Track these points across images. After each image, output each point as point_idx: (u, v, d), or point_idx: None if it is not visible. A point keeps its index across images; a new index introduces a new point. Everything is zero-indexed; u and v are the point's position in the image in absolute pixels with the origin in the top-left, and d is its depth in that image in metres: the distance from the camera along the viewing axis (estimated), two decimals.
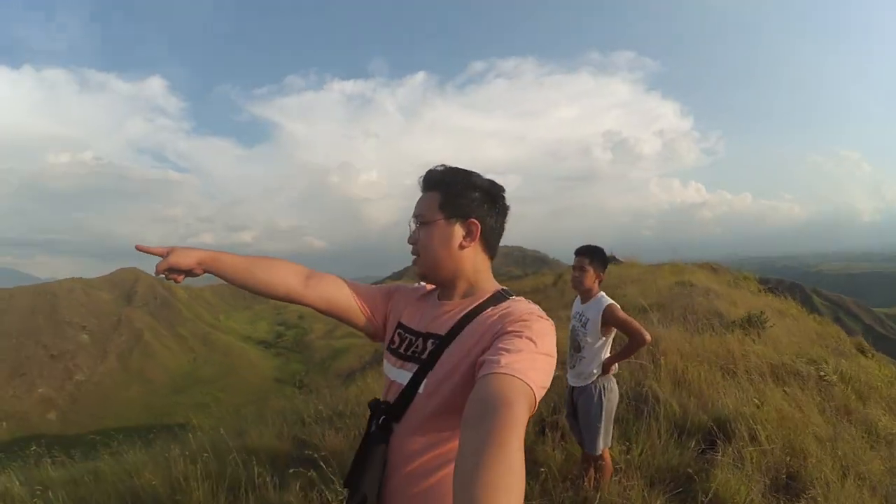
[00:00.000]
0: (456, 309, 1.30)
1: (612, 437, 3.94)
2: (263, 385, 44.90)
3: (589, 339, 3.38)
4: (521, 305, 1.24)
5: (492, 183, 1.36)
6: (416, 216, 1.36)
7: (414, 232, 1.37)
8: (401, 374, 1.31)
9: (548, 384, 1.06)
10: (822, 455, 3.44)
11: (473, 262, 1.33)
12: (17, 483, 4.65)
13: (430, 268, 1.34)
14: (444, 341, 1.25)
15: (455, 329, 1.25)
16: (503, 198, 1.38)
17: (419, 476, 1.19)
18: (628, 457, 3.71)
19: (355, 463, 1.26)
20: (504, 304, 1.26)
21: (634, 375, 5.33)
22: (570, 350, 3.55)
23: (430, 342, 1.28)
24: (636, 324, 3.26)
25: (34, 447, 5.86)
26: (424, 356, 1.27)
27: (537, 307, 1.25)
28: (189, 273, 1.37)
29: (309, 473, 3.89)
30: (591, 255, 3.40)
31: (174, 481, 4.26)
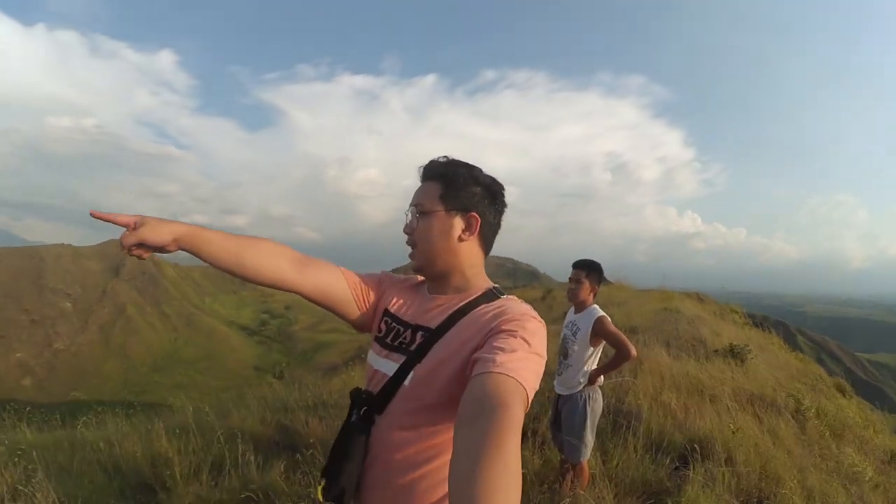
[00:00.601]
0: (448, 303, 1.27)
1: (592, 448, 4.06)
2: (243, 372, 44.61)
3: (577, 348, 3.51)
4: (514, 305, 1.22)
5: (493, 179, 1.34)
6: (416, 205, 1.32)
7: (411, 221, 1.33)
8: (386, 365, 1.28)
9: (537, 385, 1.04)
10: (793, 484, 3.56)
11: (469, 257, 1.31)
12: None
13: (426, 259, 1.31)
14: (434, 335, 1.22)
15: (446, 323, 1.22)
16: (503, 195, 1.37)
17: (401, 470, 1.17)
18: (604, 468, 3.80)
19: (333, 452, 1.24)
20: (497, 303, 1.24)
21: (616, 391, 5.45)
22: (559, 357, 3.67)
23: (419, 334, 1.25)
24: (624, 338, 3.37)
25: (7, 411, 5.82)
26: (412, 348, 1.24)
27: (529, 307, 1.23)
28: (160, 250, 1.18)
29: (296, 457, 3.94)
30: (588, 269, 3.54)
31: (155, 455, 4.28)
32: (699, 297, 12.46)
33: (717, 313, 10.53)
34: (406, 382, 1.20)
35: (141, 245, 1.15)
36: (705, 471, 3.69)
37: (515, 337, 1.07)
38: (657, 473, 3.78)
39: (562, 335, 3.72)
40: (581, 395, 3.47)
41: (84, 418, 5.66)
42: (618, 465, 3.85)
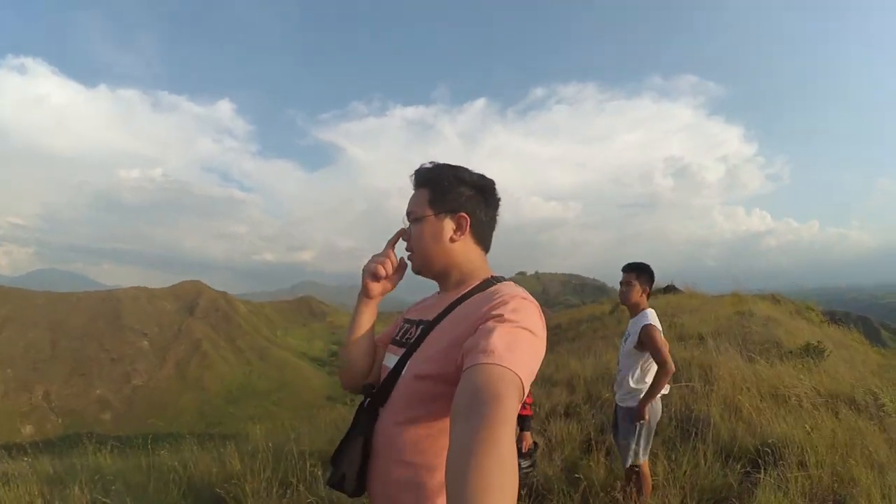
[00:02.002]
0: (448, 297, 1.31)
1: (657, 457, 3.94)
2: (316, 401, 45.53)
3: (626, 353, 3.49)
4: (505, 288, 1.23)
5: (481, 176, 1.37)
6: (408, 213, 1.38)
7: (407, 229, 1.39)
8: (390, 359, 1.33)
9: (535, 367, 1.04)
10: (870, 484, 3.33)
11: (465, 255, 1.35)
12: (78, 467, 4.88)
13: (422, 262, 1.36)
14: (429, 326, 1.27)
15: (442, 314, 1.26)
16: (494, 191, 1.39)
17: (399, 461, 1.18)
18: (672, 476, 3.69)
19: (341, 443, 1.28)
20: (491, 289, 1.25)
21: (684, 399, 5.26)
22: (616, 368, 3.66)
23: (419, 328, 1.30)
24: (666, 352, 3.27)
25: (87, 441, 6.18)
26: (412, 340, 1.28)
27: (522, 289, 1.23)
28: (386, 282, 1.42)
29: None
30: (638, 271, 3.52)
31: (228, 474, 4.46)
32: (774, 298, 11.83)
33: (792, 313, 9.99)
34: (403, 372, 1.24)
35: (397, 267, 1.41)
36: (777, 474, 3.52)
37: (503, 321, 1.06)
38: (727, 479, 3.64)
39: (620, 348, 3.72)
40: (633, 410, 3.40)
41: (162, 445, 5.92)
42: (686, 472, 3.72)
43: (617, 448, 3.65)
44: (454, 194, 1.33)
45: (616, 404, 3.61)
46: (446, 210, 1.32)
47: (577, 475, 3.99)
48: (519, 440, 3.19)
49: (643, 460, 3.42)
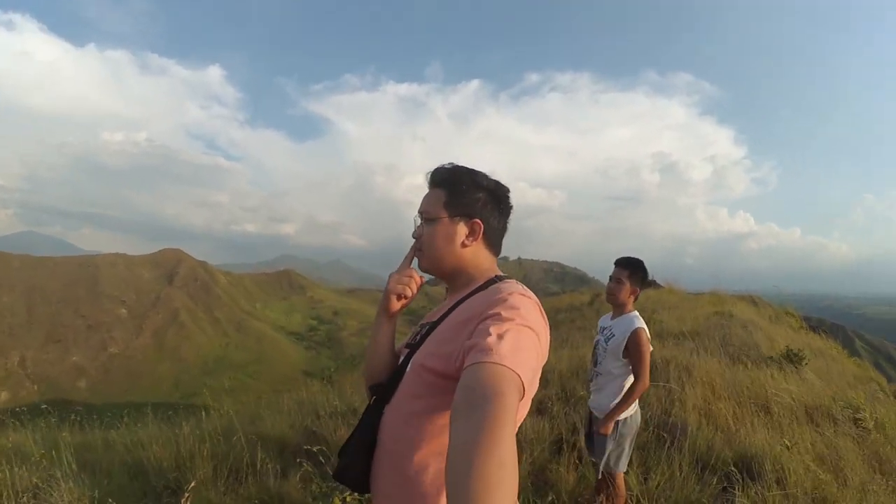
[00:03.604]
0: (454, 298, 1.33)
1: (631, 464, 3.73)
2: (292, 375, 45.60)
3: (609, 358, 3.19)
4: (504, 285, 1.24)
5: (497, 184, 1.38)
6: (421, 212, 1.39)
7: (418, 227, 1.40)
8: (401, 359, 1.35)
9: (536, 364, 1.05)
10: None
11: (474, 259, 1.36)
12: (32, 441, 4.76)
13: (432, 263, 1.38)
14: (433, 326, 1.29)
15: (446, 313, 1.28)
16: (507, 199, 1.40)
17: (400, 457, 1.19)
18: (645, 486, 3.50)
19: (349, 437, 1.31)
20: (492, 287, 1.26)
21: (662, 403, 5.09)
22: (590, 363, 3.39)
23: (425, 329, 1.32)
24: (647, 364, 3.04)
25: (47, 410, 6.04)
26: (417, 340, 1.31)
27: (521, 285, 1.25)
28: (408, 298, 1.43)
29: (307, 467, 3.81)
30: (631, 268, 3.20)
31: (180, 457, 4.30)
32: (753, 301, 11.86)
33: (771, 317, 9.98)
34: (407, 369, 1.25)
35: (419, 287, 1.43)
36: (755, 493, 3.32)
37: (502, 319, 1.06)
38: (702, 494, 3.45)
39: (595, 340, 3.42)
40: (616, 424, 3.12)
41: (132, 417, 5.80)
42: (659, 484, 3.53)
43: (590, 457, 3.39)
44: (470, 199, 1.34)
45: (591, 410, 3.34)
46: (461, 214, 1.34)
47: (544, 481, 3.81)
48: None
49: (620, 471, 3.17)
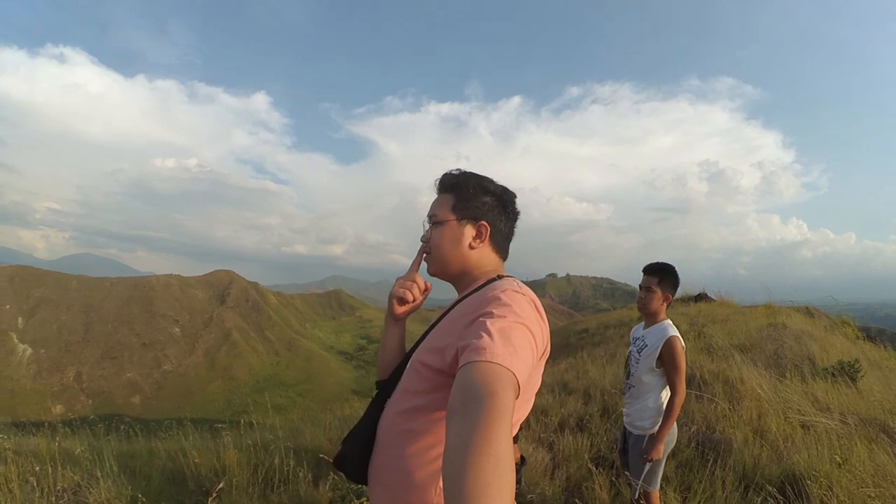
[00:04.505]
0: (458, 297, 1.37)
1: (670, 483, 3.56)
2: (341, 394, 46.01)
3: (641, 368, 3.06)
4: (500, 282, 1.26)
5: (504, 189, 1.43)
6: (430, 216, 1.43)
7: (427, 231, 1.43)
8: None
9: (530, 360, 1.03)
10: None
11: (480, 262, 1.39)
12: (80, 448, 4.96)
13: (439, 265, 1.41)
14: (433, 325, 1.31)
15: (445, 313, 1.31)
16: (514, 203, 1.45)
17: (395, 448, 1.21)
18: None
19: (352, 429, 1.34)
20: (489, 285, 1.28)
21: (707, 418, 4.86)
22: (623, 376, 3.27)
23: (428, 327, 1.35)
24: (682, 374, 2.90)
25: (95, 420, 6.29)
26: (419, 338, 1.35)
27: (517, 282, 1.27)
28: (415, 299, 1.46)
29: (336, 477, 3.84)
30: (661, 275, 3.07)
31: (218, 465, 4.41)
32: (809, 311, 11.25)
33: (827, 327, 9.43)
34: (407, 365, 1.30)
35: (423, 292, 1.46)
36: None
37: (494, 316, 1.06)
38: None
39: (627, 352, 3.30)
40: (651, 438, 3.00)
41: (182, 431, 5.98)
42: (700, 503, 3.34)
43: (625, 475, 3.24)
44: (477, 202, 1.38)
45: (626, 426, 3.20)
46: (468, 217, 1.38)
47: (577, 500, 3.69)
48: None
49: (655, 490, 3.02)
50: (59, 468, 4.00)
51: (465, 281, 1.39)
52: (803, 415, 4.40)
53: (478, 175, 1.42)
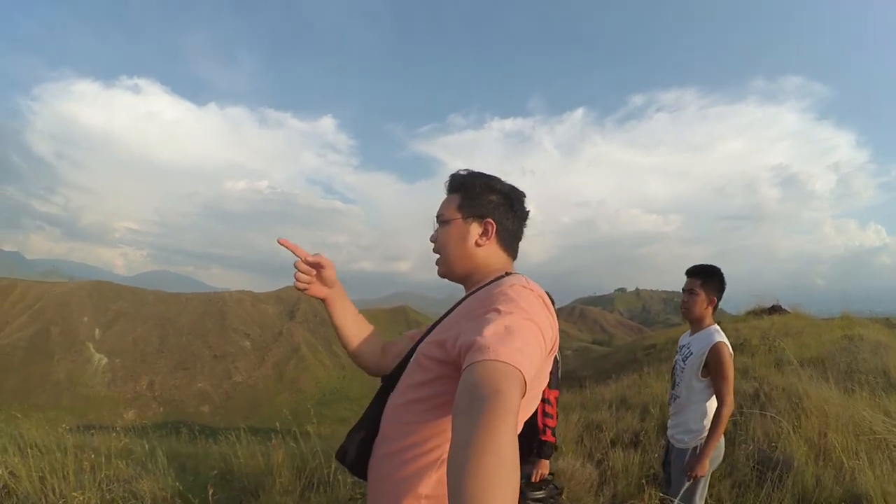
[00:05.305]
0: (464, 295, 1.36)
1: (721, 502, 3.34)
2: None
3: (686, 377, 2.89)
4: (509, 278, 1.24)
5: (512, 188, 1.41)
6: (437, 216, 1.43)
7: (435, 231, 1.43)
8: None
9: (537, 357, 1.01)
10: None
11: (488, 260, 1.37)
12: (139, 446, 5.25)
13: (447, 264, 1.40)
14: (440, 319, 1.31)
15: (455, 306, 1.30)
16: (522, 202, 1.42)
17: (393, 441, 1.21)
18: None
19: (355, 424, 1.33)
20: (497, 280, 1.26)
21: (768, 435, 4.54)
22: (670, 387, 3.10)
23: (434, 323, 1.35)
24: (730, 383, 2.71)
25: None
26: (425, 331, 1.34)
27: (525, 278, 1.24)
28: (319, 283, 1.45)
29: None
30: (705, 277, 2.90)
31: (266, 467, 4.55)
32: (889, 322, 10.37)
33: None
34: (412, 357, 1.27)
35: (316, 269, 1.43)
36: None
37: (501, 313, 1.05)
38: None
39: (673, 361, 3.13)
40: (694, 452, 2.82)
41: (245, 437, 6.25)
42: None
43: (664, 488, 3.07)
44: (483, 200, 1.37)
45: (669, 440, 3.03)
46: (474, 215, 1.37)
47: None
48: (531, 467, 2.74)
49: None
50: (115, 461, 4.27)
51: (473, 280, 1.38)
52: (874, 432, 4.03)
53: (485, 174, 1.42)
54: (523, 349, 0.96)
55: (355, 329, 1.51)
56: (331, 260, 1.44)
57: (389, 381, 1.33)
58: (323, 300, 1.48)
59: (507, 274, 1.32)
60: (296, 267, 1.41)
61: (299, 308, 66.78)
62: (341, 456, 1.32)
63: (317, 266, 1.43)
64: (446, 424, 1.13)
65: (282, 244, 1.40)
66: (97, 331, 51.62)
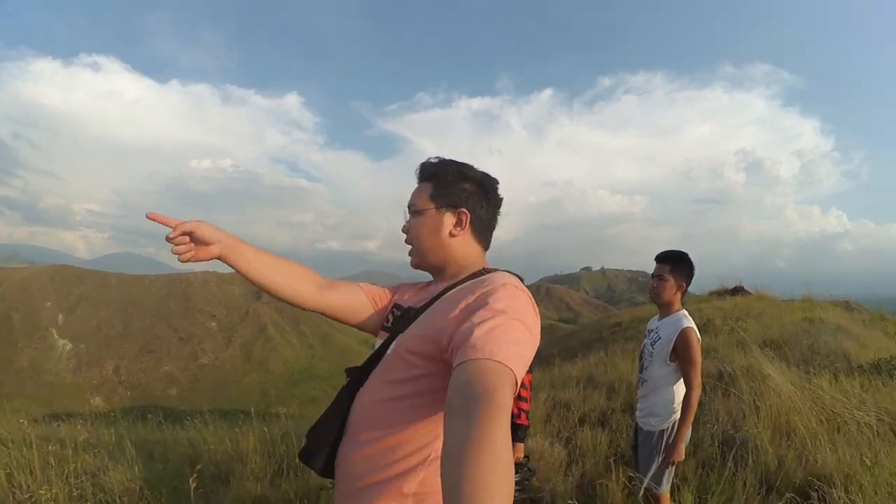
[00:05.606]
0: (441, 286, 1.33)
1: (688, 483, 3.42)
2: None
3: (654, 361, 2.93)
4: (495, 276, 1.22)
5: (484, 175, 1.38)
6: (409, 206, 1.39)
7: (407, 222, 1.40)
8: (378, 343, 1.34)
9: (528, 359, 1.01)
10: None
11: (462, 251, 1.35)
12: (106, 435, 5.14)
13: (420, 255, 1.37)
14: (417, 311, 1.27)
15: (430, 301, 1.27)
16: (496, 190, 1.40)
17: (373, 438, 1.17)
18: None
19: (318, 419, 1.28)
20: (482, 277, 1.25)
21: (732, 416, 4.67)
22: (637, 370, 3.15)
23: (410, 314, 1.30)
24: (698, 368, 2.75)
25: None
26: (400, 324, 1.30)
27: (514, 277, 1.22)
28: (202, 246, 1.28)
29: None
30: (674, 262, 2.93)
31: (235, 453, 4.53)
32: (848, 306, 10.81)
33: (866, 322, 9.03)
34: (388, 351, 1.24)
35: (189, 236, 1.26)
36: None
37: (494, 313, 1.03)
38: None
39: (642, 344, 3.17)
40: (661, 435, 2.87)
41: (214, 420, 6.18)
42: None
43: (634, 472, 3.12)
44: (456, 189, 1.34)
45: (637, 422, 3.09)
46: (447, 205, 1.34)
47: (591, 495, 3.58)
48: None
49: (664, 491, 2.88)
50: (81, 453, 4.16)
51: (449, 271, 1.35)
52: (835, 413, 4.17)
53: (457, 162, 1.38)
54: (515, 350, 0.96)
55: (265, 268, 1.35)
56: (200, 220, 1.28)
57: (359, 375, 1.28)
58: (218, 258, 1.31)
59: (487, 270, 1.31)
60: (169, 241, 1.25)
61: None
62: (308, 456, 1.27)
63: (188, 233, 1.26)
64: (434, 423, 1.13)
65: (150, 218, 1.25)
66: (60, 316, 50.17)
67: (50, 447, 4.13)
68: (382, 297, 1.49)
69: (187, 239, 1.26)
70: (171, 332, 52.12)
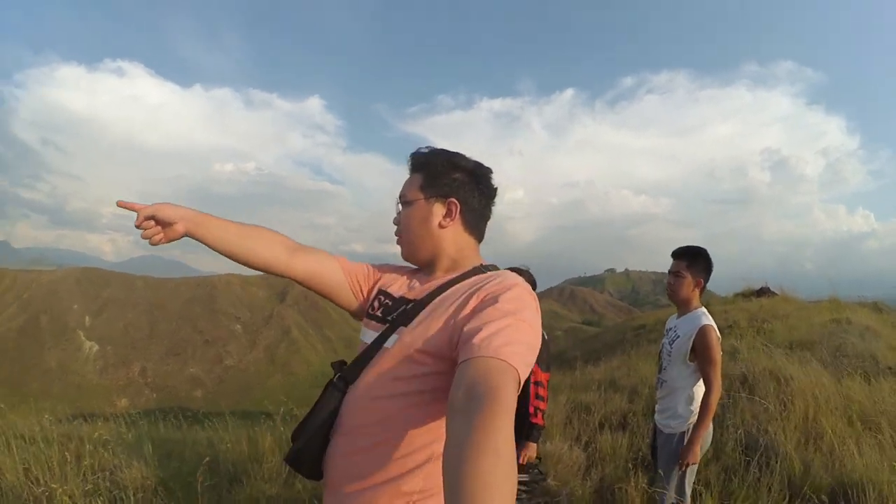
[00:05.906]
0: (436, 281, 1.27)
1: (710, 488, 3.32)
2: None
3: (673, 361, 2.83)
4: (502, 276, 1.19)
5: (477, 164, 1.33)
6: (399, 197, 1.36)
7: (398, 213, 1.37)
8: (368, 335, 1.28)
9: (532, 359, 1.00)
10: None
11: (455, 242, 1.31)
12: (126, 434, 5.21)
13: (410, 247, 1.34)
14: (417, 305, 1.22)
15: (433, 293, 1.22)
16: (489, 179, 1.34)
17: (371, 436, 1.14)
18: None
19: (304, 419, 1.23)
20: (485, 275, 1.22)
21: (757, 418, 4.54)
22: (657, 370, 3.05)
23: (405, 307, 1.25)
24: (718, 368, 2.64)
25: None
26: (393, 317, 1.24)
27: (520, 278, 1.17)
28: (170, 233, 1.26)
29: None
30: (691, 258, 2.84)
31: (251, 453, 4.52)
32: (877, 307, 10.47)
33: (895, 324, 8.74)
34: (387, 345, 1.19)
35: (153, 219, 1.24)
36: None
37: (501, 312, 1.03)
38: None
39: (660, 344, 3.07)
40: (682, 438, 2.76)
41: (237, 422, 6.21)
42: None
43: (656, 477, 3.06)
44: (446, 179, 1.30)
45: (656, 424, 2.98)
46: (437, 195, 1.29)
47: (610, 498, 3.50)
48: (518, 450, 2.69)
49: (686, 500, 2.78)
50: (100, 451, 4.22)
51: (442, 263, 1.31)
52: (862, 417, 4.02)
53: (448, 151, 1.34)
54: (519, 349, 0.95)
55: (234, 238, 1.32)
56: (162, 202, 1.26)
57: (350, 371, 1.23)
58: (186, 236, 1.29)
59: (485, 266, 1.29)
60: (137, 227, 1.25)
61: (289, 291, 66.47)
62: (296, 458, 1.21)
63: (152, 217, 1.24)
64: (436, 421, 1.11)
65: (121, 205, 1.26)
66: (87, 318, 51.48)
67: (70, 445, 4.21)
68: (363, 278, 1.44)
69: (153, 223, 1.25)
70: (197, 334, 53.08)
